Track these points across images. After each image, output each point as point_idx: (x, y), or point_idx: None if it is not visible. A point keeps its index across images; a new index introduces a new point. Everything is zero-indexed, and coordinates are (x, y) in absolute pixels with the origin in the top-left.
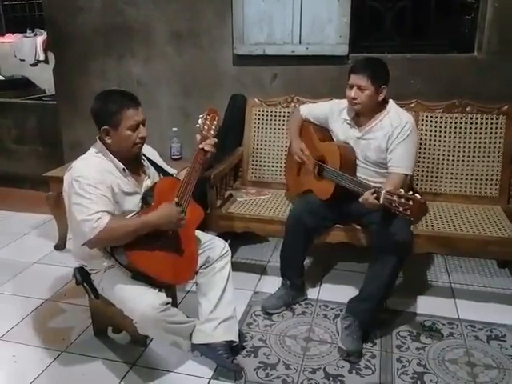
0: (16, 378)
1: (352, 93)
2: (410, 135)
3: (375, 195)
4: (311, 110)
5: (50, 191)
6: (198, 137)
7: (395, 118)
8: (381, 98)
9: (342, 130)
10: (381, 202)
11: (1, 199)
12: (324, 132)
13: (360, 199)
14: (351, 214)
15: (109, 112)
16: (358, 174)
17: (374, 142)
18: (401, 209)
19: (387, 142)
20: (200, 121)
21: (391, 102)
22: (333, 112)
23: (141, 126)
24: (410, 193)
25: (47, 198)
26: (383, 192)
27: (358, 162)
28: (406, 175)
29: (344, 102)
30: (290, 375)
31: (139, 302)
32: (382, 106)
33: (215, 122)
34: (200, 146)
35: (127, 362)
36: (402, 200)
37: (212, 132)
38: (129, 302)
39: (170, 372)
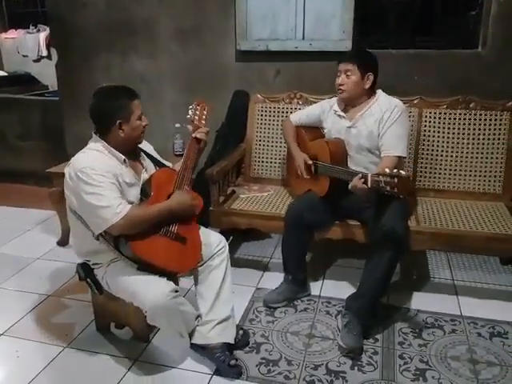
0: (19, 373)
1: (339, 79)
2: (400, 118)
3: (363, 180)
4: (302, 114)
5: (53, 187)
6: (190, 127)
7: (384, 103)
8: (367, 85)
9: (333, 122)
10: (369, 185)
11: (4, 195)
12: (314, 132)
13: (349, 186)
14: (350, 210)
15: (120, 106)
16: (352, 165)
17: (365, 129)
18: (388, 188)
19: (378, 127)
20: (190, 111)
21: (380, 91)
22: (324, 109)
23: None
24: (395, 170)
25: (50, 193)
26: (369, 175)
27: (351, 153)
28: (399, 158)
29: (335, 99)
30: (292, 371)
31: (150, 290)
32: (369, 95)
33: (205, 112)
34: (193, 135)
35: (130, 357)
36: (388, 179)
37: (203, 121)
38: (139, 292)
39: (172, 368)
